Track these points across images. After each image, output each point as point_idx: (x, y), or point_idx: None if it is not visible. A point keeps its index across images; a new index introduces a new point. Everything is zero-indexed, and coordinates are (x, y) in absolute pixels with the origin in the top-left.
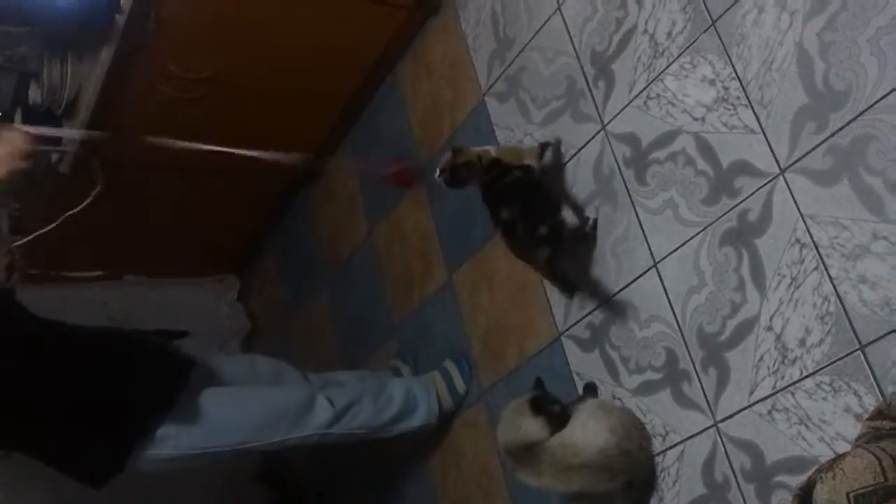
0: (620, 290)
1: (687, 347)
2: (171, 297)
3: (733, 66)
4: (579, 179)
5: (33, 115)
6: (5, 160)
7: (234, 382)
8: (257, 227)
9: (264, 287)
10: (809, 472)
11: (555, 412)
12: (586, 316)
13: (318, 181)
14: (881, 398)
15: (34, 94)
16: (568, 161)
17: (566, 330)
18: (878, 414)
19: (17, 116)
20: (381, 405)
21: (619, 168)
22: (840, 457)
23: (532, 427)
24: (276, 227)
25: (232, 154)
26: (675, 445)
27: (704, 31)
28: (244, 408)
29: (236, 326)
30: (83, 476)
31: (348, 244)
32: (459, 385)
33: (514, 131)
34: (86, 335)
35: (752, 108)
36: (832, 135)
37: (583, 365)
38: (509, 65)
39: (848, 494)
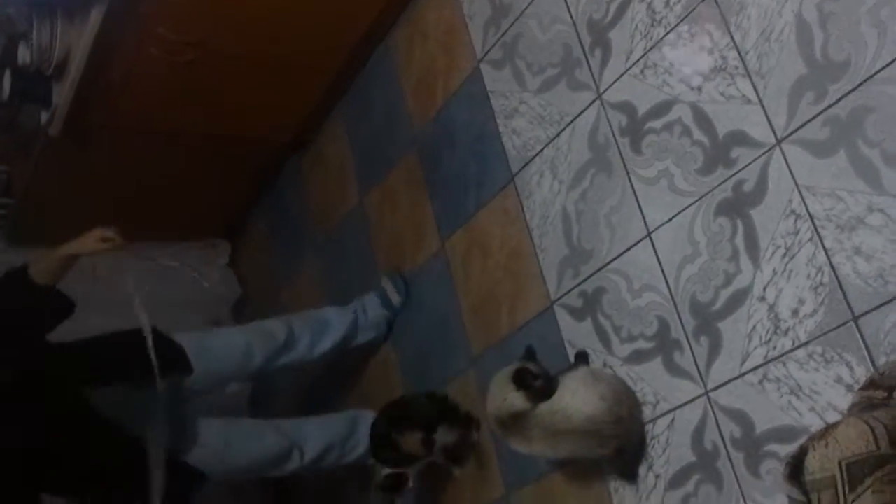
0: (614, 260)
1: (679, 317)
2: (162, 261)
3: (731, 35)
4: (574, 148)
5: (23, 76)
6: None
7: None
8: (248, 192)
9: (254, 253)
10: (800, 441)
11: (537, 388)
12: (579, 285)
13: (309, 147)
14: (873, 369)
15: (23, 55)
16: (563, 130)
17: (558, 298)
18: (871, 384)
19: (7, 77)
20: (349, 449)
21: (615, 137)
22: (832, 425)
23: (516, 399)
24: (266, 192)
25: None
26: (665, 414)
27: (703, 0)
28: (228, 462)
29: (227, 292)
30: None
31: (339, 211)
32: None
33: (509, 99)
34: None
35: (749, 78)
36: (830, 106)
37: (574, 333)
38: (505, 32)
39: (840, 462)
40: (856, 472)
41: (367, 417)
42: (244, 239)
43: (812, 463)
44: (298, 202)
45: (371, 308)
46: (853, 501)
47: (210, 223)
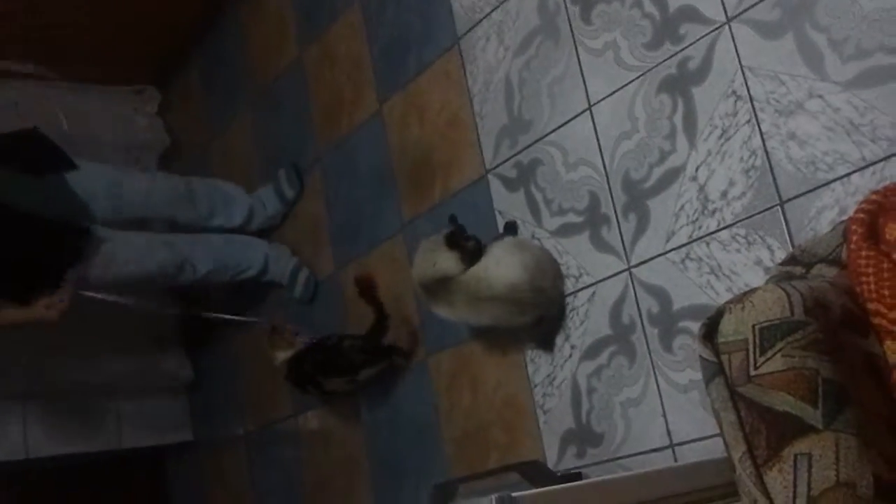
0: (552, 132)
1: (611, 192)
2: (86, 104)
3: None
4: (522, 16)
5: None
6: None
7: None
8: (183, 38)
9: (186, 103)
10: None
11: (469, 247)
12: (515, 155)
13: None
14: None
15: None
16: None
17: (493, 168)
18: (791, 259)
19: None
20: (240, 272)
21: (565, 4)
22: (750, 290)
23: (447, 261)
24: (202, 40)
25: None
26: (587, 287)
27: None
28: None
29: (154, 140)
30: None
31: (277, 64)
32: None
33: None
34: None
35: None
36: None
37: (506, 204)
38: None
39: (754, 326)
40: (768, 336)
41: (260, 245)
42: (175, 88)
43: (726, 325)
44: (235, 53)
45: (269, 203)
46: (762, 364)
47: (140, 69)
